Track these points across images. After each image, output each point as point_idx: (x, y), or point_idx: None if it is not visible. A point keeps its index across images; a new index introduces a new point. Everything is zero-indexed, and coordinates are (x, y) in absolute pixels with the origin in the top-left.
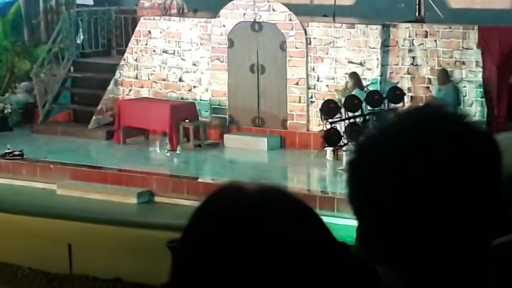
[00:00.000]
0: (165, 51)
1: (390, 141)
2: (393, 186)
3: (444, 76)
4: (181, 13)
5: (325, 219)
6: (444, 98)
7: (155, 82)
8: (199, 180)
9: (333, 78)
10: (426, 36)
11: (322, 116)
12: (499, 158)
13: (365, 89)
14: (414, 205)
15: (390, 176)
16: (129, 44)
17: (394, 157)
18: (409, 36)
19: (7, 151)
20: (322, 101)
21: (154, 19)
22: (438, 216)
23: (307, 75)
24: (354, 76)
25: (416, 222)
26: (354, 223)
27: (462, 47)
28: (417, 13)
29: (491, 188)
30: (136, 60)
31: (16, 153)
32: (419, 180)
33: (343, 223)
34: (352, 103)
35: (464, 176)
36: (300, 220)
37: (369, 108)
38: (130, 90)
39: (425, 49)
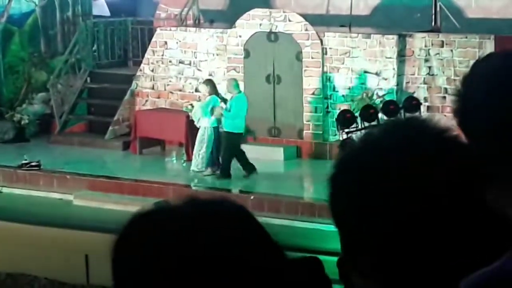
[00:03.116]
0: (181, 62)
1: (373, 156)
2: (376, 203)
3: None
4: (197, 24)
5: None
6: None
7: (171, 92)
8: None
9: (349, 88)
10: (442, 46)
11: (338, 126)
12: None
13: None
14: (399, 223)
15: (373, 193)
16: (146, 55)
17: (376, 173)
18: (425, 46)
19: (24, 162)
20: (338, 111)
21: (170, 30)
22: (423, 232)
23: (323, 85)
24: (210, 82)
25: (399, 239)
26: None
27: (479, 57)
28: (433, 23)
29: (475, 203)
30: (152, 70)
31: (33, 164)
32: (404, 197)
33: None
34: (368, 113)
35: (450, 192)
36: (233, 229)
37: (385, 118)
38: (146, 101)
39: (441, 59)
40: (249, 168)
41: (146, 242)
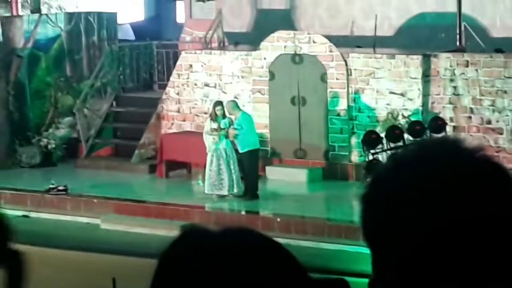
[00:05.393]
0: (206, 85)
1: (406, 175)
2: (408, 222)
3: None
4: (222, 47)
5: (367, 250)
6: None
7: (197, 115)
8: (242, 213)
9: (374, 109)
10: (467, 66)
11: (364, 147)
12: None
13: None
14: (431, 242)
15: (406, 212)
16: (171, 78)
17: (409, 192)
18: (450, 66)
19: (51, 186)
20: (364, 132)
21: (195, 53)
22: (454, 253)
23: (348, 106)
24: (220, 103)
25: (431, 258)
26: None
27: (504, 76)
28: (457, 43)
29: (505, 222)
30: (178, 94)
31: (60, 188)
32: (437, 216)
33: None
34: (393, 133)
35: (482, 212)
36: (263, 263)
37: (411, 138)
38: (172, 124)
39: (467, 79)
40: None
41: (184, 276)
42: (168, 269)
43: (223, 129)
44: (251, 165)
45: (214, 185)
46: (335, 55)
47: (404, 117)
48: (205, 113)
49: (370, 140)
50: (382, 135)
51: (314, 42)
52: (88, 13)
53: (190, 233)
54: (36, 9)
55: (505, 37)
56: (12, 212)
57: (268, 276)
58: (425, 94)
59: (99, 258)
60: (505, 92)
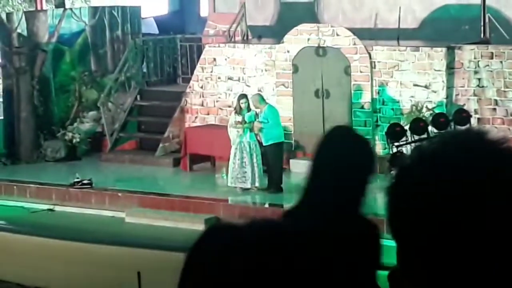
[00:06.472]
0: (230, 78)
1: (431, 168)
2: (433, 214)
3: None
4: (245, 40)
5: (391, 243)
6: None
7: (220, 109)
8: (266, 206)
9: (398, 102)
10: (491, 58)
11: (388, 140)
12: None
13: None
14: (454, 234)
15: (430, 204)
16: (195, 72)
17: (434, 184)
18: (475, 58)
19: (76, 180)
20: (388, 125)
21: (219, 46)
22: (478, 245)
23: (372, 99)
24: (245, 96)
25: (456, 251)
26: None
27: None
28: (482, 35)
29: None
30: (201, 87)
31: (85, 182)
32: (461, 209)
33: None
34: (418, 126)
35: (502, 204)
36: (291, 255)
37: (435, 130)
38: (196, 117)
39: (491, 71)
40: (276, 186)
41: (214, 267)
42: (197, 265)
43: (248, 122)
44: (275, 158)
45: (237, 178)
46: (358, 48)
47: (428, 109)
48: (229, 106)
49: (394, 133)
50: (406, 127)
51: (337, 34)
52: (112, 7)
53: (217, 228)
54: (60, 4)
55: None
56: (37, 205)
57: (300, 267)
58: (449, 86)
59: (124, 252)
60: None
